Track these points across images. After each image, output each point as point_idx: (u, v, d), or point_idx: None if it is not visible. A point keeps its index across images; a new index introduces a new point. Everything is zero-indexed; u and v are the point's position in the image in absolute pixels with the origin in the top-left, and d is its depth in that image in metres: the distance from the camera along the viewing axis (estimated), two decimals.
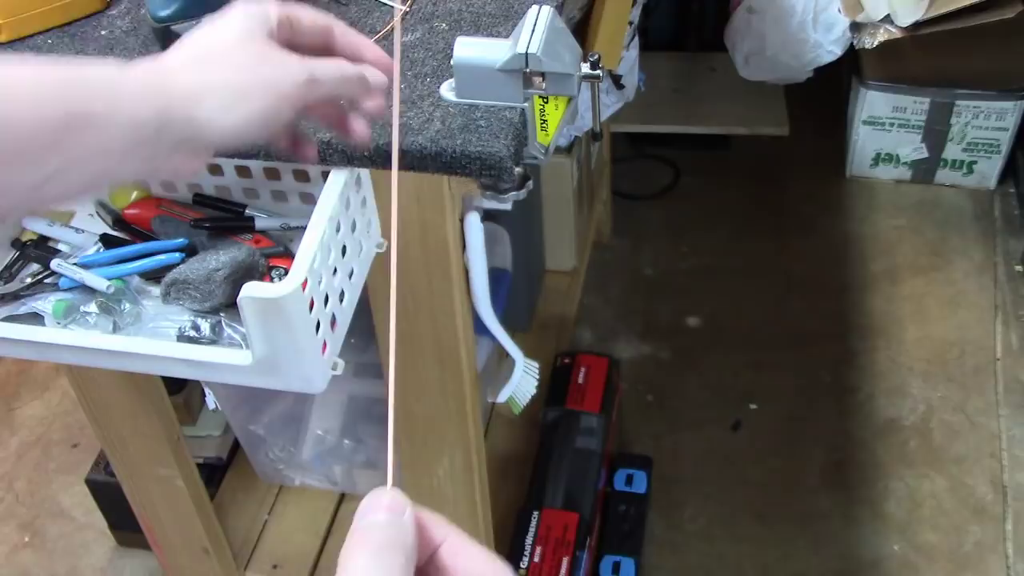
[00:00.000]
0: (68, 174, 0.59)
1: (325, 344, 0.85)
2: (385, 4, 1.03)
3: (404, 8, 0.99)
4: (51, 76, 0.59)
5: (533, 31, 0.84)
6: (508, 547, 1.54)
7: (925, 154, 2.36)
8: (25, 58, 0.59)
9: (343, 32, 0.72)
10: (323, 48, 0.71)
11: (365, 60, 0.72)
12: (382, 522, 0.43)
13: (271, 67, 0.66)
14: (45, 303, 0.96)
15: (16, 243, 1.04)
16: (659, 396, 1.99)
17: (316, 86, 0.67)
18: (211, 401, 1.50)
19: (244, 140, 0.66)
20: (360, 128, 0.75)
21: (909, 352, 2.03)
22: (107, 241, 1.02)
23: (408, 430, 1.20)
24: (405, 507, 0.44)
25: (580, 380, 1.77)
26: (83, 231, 1.05)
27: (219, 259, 0.92)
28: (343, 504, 1.62)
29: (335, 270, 0.86)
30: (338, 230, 0.86)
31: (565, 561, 1.52)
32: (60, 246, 1.04)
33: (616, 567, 1.61)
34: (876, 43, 2.09)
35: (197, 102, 0.62)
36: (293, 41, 0.69)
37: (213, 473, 1.65)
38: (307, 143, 0.78)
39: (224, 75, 0.64)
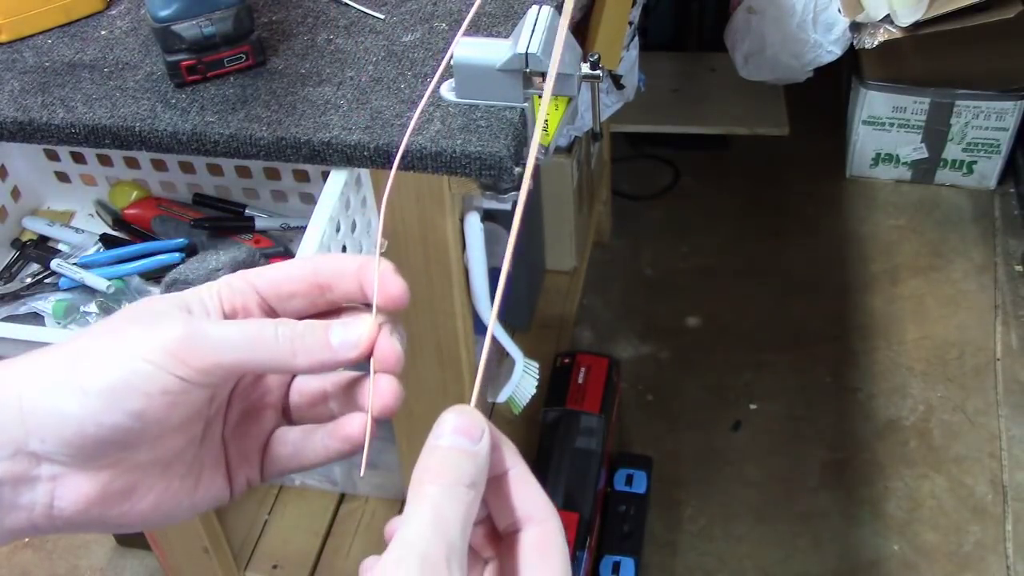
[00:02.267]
0: None
1: None
2: (371, 16, 1.03)
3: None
4: None
5: (533, 31, 0.84)
6: None
7: (925, 154, 2.36)
8: None
9: (319, 270, 0.47)
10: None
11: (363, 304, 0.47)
12: (460, 448, 0.42)
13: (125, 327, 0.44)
14: (45, 303, 0.96)
15: (16, 243, 1.04)
16: (659, 396, 1.99)
17: (210, 346, 0.43)
18: None
19: (112, 432, 0.42)
20: (354, 428, 0.48)
21: (909, 352, 2.03)
22: (107, 241, 1.03)
23: (408, 430, 1.20)
24: (483, 432, 0.43)
25: (580, 380, 1.77)
26: (83, 231, 1.05)
27: (219, 259, 0.92)
28: (343, 504, 1.62)
29: None
30: (338, 230, 0.86)
31: None
32: (60, 246, 1.04)
33: (616, 567, 1.61)
34: (876, 43, 2.09)
35: (18, 392, 0.42)
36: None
37: None
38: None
39: (53, 353, 0.43)
